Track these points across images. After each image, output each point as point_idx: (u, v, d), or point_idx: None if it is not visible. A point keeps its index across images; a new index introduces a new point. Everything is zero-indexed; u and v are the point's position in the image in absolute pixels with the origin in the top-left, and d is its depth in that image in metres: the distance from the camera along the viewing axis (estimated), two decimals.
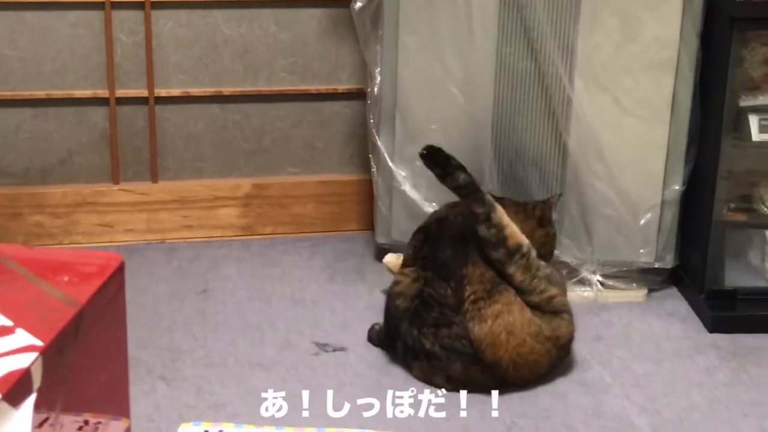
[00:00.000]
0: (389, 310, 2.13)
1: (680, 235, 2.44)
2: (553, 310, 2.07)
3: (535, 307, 2.05)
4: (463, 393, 2.00)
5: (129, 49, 2.55)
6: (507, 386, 2.05)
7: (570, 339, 2.11)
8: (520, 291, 2.05)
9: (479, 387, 2.03)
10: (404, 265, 2.17)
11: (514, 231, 2.05)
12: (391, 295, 2.13)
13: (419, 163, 2.10)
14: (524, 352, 2.03)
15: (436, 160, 2.06)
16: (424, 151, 2.07)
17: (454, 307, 2.04)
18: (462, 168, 2.04)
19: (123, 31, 2.53)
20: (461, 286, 2.04)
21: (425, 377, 2.07)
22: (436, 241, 2.12)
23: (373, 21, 2.41)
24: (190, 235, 2.66)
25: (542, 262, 2.09)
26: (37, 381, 1.10)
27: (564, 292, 2.11)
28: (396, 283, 2.12)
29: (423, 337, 2.05)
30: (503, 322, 2.02)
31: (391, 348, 2.15)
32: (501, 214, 2.05)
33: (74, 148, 2.60)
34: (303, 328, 2.26)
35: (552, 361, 2.08)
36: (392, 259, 2.31)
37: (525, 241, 2.06)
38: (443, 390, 2.02)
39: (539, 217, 2.23)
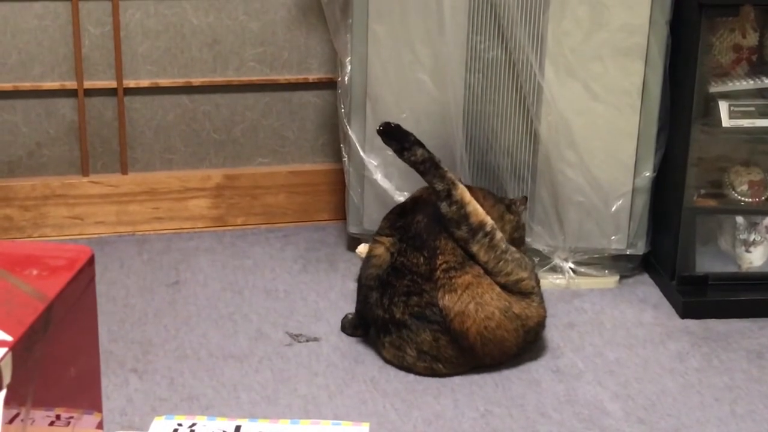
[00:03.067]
0: (361, 281, 2.14)
1: (651, 222, 2.45)
2: (521, 291, 2.07)
3: (502, 288, 2.06)
4: (435, 379, 2.01)
5: (97, 40, 2.53)
6: (477, 366, 2.06)
7: (539, 323, 2.11)
8: (486, 272, 2.05)
9: (449, 364, 2.04)
10: (377, 234, 2.17)
11: (477, 209, 2.05)
12: (364, 266, 2.14)
13: (390, 152, 2.10)
14: (492, 326, 2.03)
15: (393, 135, 2.06)
16: (381, 128, 2.07)
17: (425, 276, 2.04)
18: (420, 144, 2.05)
19: (90, 23, 2.51)
20: (434, 256, 2.05)
21: (396, 355, 2.07)
22: (412, 214, 2.13)
23: (343, 10, 2.40)
24: (160, 227, 2.65)
25: (512, 247, 2.09)
26: (6, 377, 1.09)
27: (534, 277, 2.11)
28: (371, 256, 2.13)
29: (393, 306, 2.05)
30: (473, 292, 2.03)
31: (363, 330, 2.16)
32: (463, 191, 2.05)
33: (42, 140, 2.57)
34: (276, 319, 2.26)
35: (519, 342, 2.08)
36: (365, 249, 2.31)
37: (489, 220, 2.06)
38: (413, 372, 2.04)
39: (508, 204, 2.23)
